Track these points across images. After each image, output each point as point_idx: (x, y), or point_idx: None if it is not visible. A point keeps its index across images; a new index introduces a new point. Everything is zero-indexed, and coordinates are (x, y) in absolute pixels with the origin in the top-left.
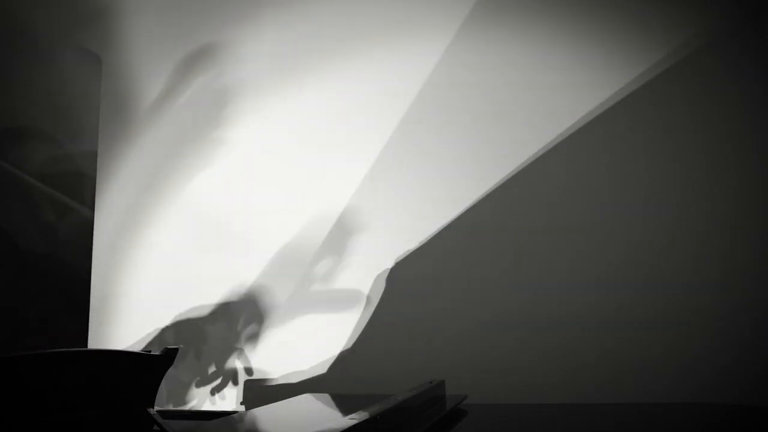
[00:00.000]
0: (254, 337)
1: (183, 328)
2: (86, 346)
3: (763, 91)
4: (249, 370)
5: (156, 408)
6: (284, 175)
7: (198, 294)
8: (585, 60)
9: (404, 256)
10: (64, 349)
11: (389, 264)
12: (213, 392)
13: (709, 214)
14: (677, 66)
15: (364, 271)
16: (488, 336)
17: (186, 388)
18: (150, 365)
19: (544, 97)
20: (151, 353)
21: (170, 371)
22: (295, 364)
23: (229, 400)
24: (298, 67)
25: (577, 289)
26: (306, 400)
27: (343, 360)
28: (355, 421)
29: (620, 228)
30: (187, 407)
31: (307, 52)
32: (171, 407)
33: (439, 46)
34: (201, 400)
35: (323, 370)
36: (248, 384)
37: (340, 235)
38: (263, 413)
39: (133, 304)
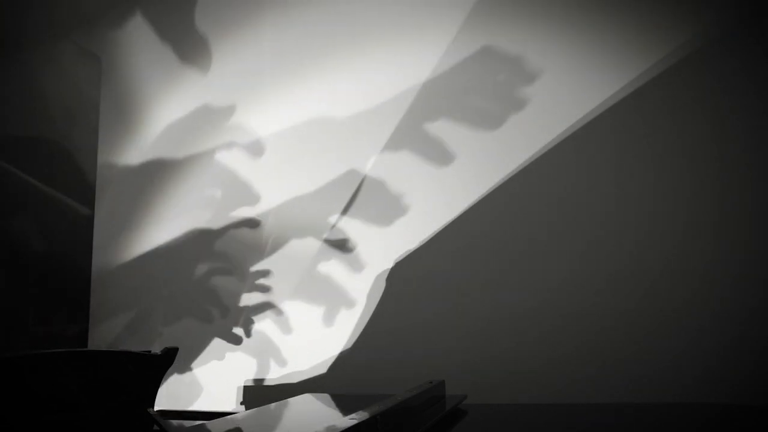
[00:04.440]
0: (254, 337)
1: (183, 327)
2: (86, 346)
3: (763, 92)
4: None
5: (156, 408)
6: (284, 175)
7: (198, 293)
8: (584, 61)
9: (404, 256)
10: (64, 349)
11: (389, 264)
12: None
13: (706, 214)
14: (676, 66)
15: (364, 271)
16: (488, 336)
17: (186, 388)
18: (150, 365)
19: (543, 98)
20: (151, 353)
21: (170, 371)
22: (295, 364)
23: (229, 400)
24: (297, 67)
25: (576, 290)
26: (306, 400)
27: (343, 360)
28: (355, 421)
29: (619, 228)
30: (187, 407)
31: (306, 53)
32: (171, 407)
33: (438, 47)
34: (201, 400)
35: (323, 370)
36: (248, 384)
37: (340, 234)
38: (263, 413)
39: (134, 303)
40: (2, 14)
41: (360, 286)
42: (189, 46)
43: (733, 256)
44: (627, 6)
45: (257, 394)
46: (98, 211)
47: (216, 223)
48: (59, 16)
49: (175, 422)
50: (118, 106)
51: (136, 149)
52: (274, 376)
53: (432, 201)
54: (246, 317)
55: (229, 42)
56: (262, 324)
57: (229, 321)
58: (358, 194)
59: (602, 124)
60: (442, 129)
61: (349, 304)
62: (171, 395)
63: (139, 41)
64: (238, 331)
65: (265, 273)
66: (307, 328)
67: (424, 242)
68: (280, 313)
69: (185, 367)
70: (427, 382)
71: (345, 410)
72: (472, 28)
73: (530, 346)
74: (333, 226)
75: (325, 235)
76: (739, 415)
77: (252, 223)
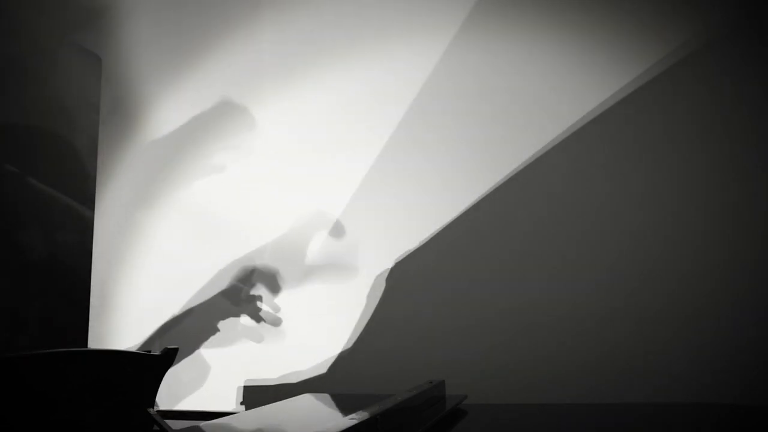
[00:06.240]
0: (254, 336)
1: (183, 327)
2: (86, 346)
3: (763, 92)
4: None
5: (156, 408)
6: (284, 175)
7: (198, 293)
8: (584, 61)
9: (404, 256)
10: (64, 349)
11: (389, 264)
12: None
13: (708, 214)
14: (677, 66)
15: (364, 271)
16: (488, 336)
17: (186, 388)
18: (150, 365)
19: (543, 98)
20: (151, 353)
21: (170, 371)
22: (295, 364)
23: (229, 400)
24: (297, 67)
25: (576, 290)
26: (306, 400)
27: (343, 360)
28: (355, 421)
29: (619, 228)
30: (187, 407)
31: (306, 53)
32: (171, 407)
33: (439, 46)
34: (201, 400)
35: (323, 370)
36: (248, 384)
37: (340, 235)
38: (263, 413)
39: (133, 303)
40: (2, 15)
41: (360, 286)
42: (189, 46)
43: (740, 257)
44: (627, 6)
45: (257, 394)
46: (98, 211)
47: (216, 222)
48: (59, 16)
49: (174, 422)
50: (118, 106)
51: (136, 149)
52: (274, 376)
53: (432, 201)
54: (245, 318)
55: (228, 42)
56: (262, 324)
57: (230, 318)
58: (358, 194)
59: (604, 123)
60: (442, 129)
61: (349, 304)
62: (171, 395)
63: (139, 41)
64: (246, 320)
65: (266, 273)
66: (307, 328)
67: (424, 242)
68: (280, 313)
69: (186, 367)
70: (427, 382)
71: (345, 410)
72: (472, 28)
73: (530, 347)
74: (333, 226)
75: (325, 235)
76: (740, 416)
77: (253, 223)
